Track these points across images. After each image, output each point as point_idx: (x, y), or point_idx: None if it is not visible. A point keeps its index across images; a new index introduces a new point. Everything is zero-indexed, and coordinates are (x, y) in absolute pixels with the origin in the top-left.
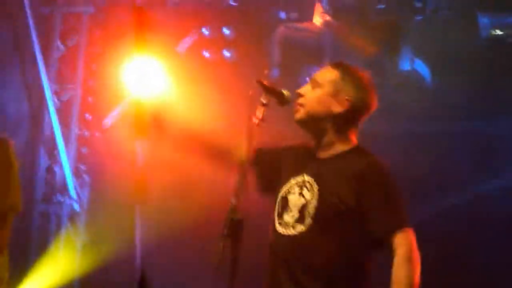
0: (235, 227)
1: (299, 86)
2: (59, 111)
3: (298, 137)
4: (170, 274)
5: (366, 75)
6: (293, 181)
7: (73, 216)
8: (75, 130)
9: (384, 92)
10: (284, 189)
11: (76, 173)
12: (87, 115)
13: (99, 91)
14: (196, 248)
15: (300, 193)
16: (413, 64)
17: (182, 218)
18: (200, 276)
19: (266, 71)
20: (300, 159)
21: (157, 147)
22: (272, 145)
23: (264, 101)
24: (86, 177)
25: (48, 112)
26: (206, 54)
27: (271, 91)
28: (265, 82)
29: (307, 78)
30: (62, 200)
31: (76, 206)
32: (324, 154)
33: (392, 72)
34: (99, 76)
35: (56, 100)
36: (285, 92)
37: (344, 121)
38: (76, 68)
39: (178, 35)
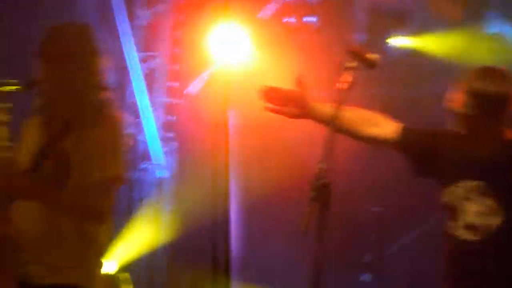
0: (322, 191)
1: (384, 50)
2: (144, 78)
3: (385, 101)
4: (258, 239)
5: (495, 79)
6: (463, 185)
7: (159, 183)
8: (160, 98)
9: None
10: (455, 192)
11: (163, 140)
12: (172, 82)
13: (184, 59)
14: (284, 213)
15: (477, 200)
16: (499, 27)
17: (269, 183)
18: (287, 241)
19: (351, 36)
20: (461, 158)
21: (245, 113)
22: (420, 128)
23: (352, 66)
24: (172, 144)
25: (133, 80)
26: (290, 20)
27: (359, 55)
28: (353, 46)
29: (390, 43)
30: (147, 167)
31: (162, 173)
32: (483, 152)
33: (478, 35)
34: (184, 44)
35: (141, 68)
36: (373, 56)
37: (496, 123)
38: (161, 36)
39: (261, 1)
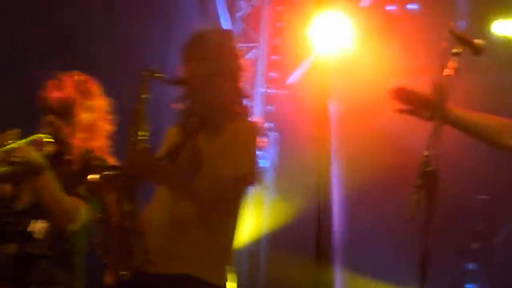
0: (429, 179)
1: (486, 38)
2: None
3: (489, 88)
4: (360, 228)
5: None
6: None
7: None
8: (260, 89)
9: None
10: None
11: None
12: (272, 73)
13: (284, 49)
14: (387, 201)
15: None
16: None
17: (372, 172)
18: (390, 230)
19: (452, 23)
20: None
21: (346, 102)
22: None
23: (458, 51)
24: (273, 134)
25: None
26: (391, 8)
27: (465, 41)
28: (459, 32)
29: (492, 29)
30: None
31: (263, 163)
32: None
33: None
34: (283, 34)
35: None
36: (479, 41)
37: None
38: (260, 27)
39: None
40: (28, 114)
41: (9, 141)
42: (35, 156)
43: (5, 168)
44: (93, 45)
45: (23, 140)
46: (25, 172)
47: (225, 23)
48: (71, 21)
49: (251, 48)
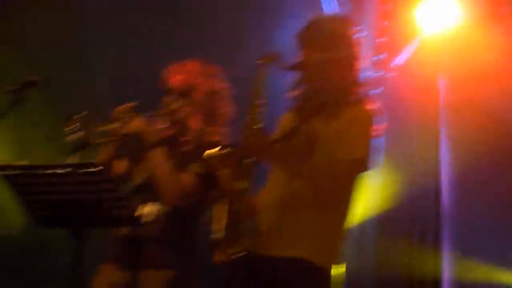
0: None
1: None
2: None
3: None
4: (473, 210)
5: None
6: None
7: None
8: (368, 70)
9: None
10: None
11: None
12: (379, 55)
13: (390, 31)
14: (501, 182)
15: None
16: None
17: (485, 153)
18: (503, 211)
19: None
20: None
21: (459, 82)
22: None
23: None
24: (380, 116)
25: None
26: None
27: None
28: None
29: None
30: None
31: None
32: None
33: None
34: (392, 16)
35: None
36: None
37: None
38: (368, 10)
39: None
40: (147, 96)
41: (125, 115)
42: (149, 130)
43: (118, 140)
44: (198, 35)
45: (140, 115)
46: (137, 145)
47: (330, 6)
48: (180, 12)
49: (357, 31)
